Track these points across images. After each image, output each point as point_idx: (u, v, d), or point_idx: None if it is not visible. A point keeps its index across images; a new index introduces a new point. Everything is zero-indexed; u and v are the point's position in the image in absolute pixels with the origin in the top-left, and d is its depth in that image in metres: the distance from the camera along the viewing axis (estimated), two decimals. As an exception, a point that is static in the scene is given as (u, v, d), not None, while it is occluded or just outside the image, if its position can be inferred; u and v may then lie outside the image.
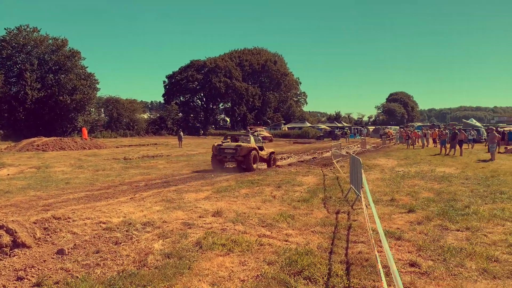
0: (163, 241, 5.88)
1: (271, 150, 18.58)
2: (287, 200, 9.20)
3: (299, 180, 12.47)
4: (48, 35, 48.28)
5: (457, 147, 22.84)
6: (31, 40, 46.81)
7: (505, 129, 37.23)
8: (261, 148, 17.20)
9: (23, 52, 47.04)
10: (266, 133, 48.96)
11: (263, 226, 6.75)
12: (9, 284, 4.41)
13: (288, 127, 71.79)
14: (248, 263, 4.93)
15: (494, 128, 25.99)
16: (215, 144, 16.34)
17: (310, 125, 73.39)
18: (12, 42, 45.73)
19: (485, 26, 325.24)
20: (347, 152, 20.64)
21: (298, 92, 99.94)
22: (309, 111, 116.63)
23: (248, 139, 16.63)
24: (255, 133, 44.38)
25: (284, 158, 22.97)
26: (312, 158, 22.63)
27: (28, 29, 46.92)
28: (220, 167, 16.09)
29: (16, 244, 5.51)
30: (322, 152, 27.58)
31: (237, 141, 16.81)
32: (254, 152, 15.91)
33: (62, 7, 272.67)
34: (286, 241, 5.91)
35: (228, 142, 16.73)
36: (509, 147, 26.29)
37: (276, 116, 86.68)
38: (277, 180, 12.43)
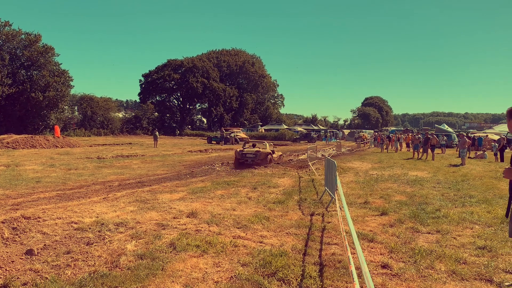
0: (136, 242, 5.79)
1: (280, 153, 22.34)
2: (262, 201, 9.21)
3: (274, 182, 12.52)
4: (20, 29, 46.89)
5: (429, 151, 23.39)
6: (3, 35, 45.36)
7: (475, 134, 38.35)
8: (273, 152, 20.33)
9: (-6, 47, 45.62)
10: (242, 135, 48.93)
11: (238, 228, 6.74)
12: (-26, 285, 4.27)
13: (265, 129, 72.06)
14: (222, 265, 4.91)
15: (465, 134, 26.68)
16: (238, 150, 19.18)
17: (287, 127, 73.87)
18: (-19, 36, 44.29)
19: (459, 34, 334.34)
20: (322, 155, 20.82)
21: (276, 94, 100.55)
22: (286, 114, 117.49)
23: (264, 144, 20.06)
24: (232, 134, 44.37)
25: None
26: (289, 160, 22.74)
27: (0, 23, 45.54)
28: (241, 169, 17.31)
29: (-17, 244, 5.34)
30: (298, 155, 27.75)
31: (254, 146, 20.20)
32: (269, 156, 19.07)
33: (36, 2, 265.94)
34: (260, 242, 5.92)
35: (248, 148, 19.75)
36: (478, 153, 27.09)
37: (253, 117, 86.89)
38: (253, 182, 12.44)
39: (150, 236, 6.09)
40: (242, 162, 18.30)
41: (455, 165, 19.29)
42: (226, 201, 9.16)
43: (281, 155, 22.30)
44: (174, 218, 7.40)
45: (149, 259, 5.02)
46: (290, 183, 12.45)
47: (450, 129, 50.44)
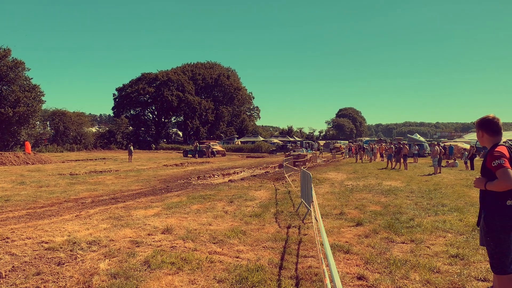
0: (109, 260, 5.65)
1: (311, 155, 35.16)
2: (239, 215, 9.16)
3: (251, 195, 12.48)
4: (-12, 44, 45.82)
5: (401, 161, 23.83)
6: (-31, 49, 44.24)
7: (446, 143, 39.30)
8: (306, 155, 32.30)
9: (-40, 61, 44.31)
10: (219, 147, 48.79)
11: (214, 243, 6.67)
12: None
13: (241, 141, 72.02)
14: (197, 282, 4.84)
15: (436, 143, 27.32)
16: (287, 154, 33.39)
17: (263, 139, 74.07)
18: None
19: (429, 43, 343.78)
20: (298, 167, 20.96)
21: (251, 107, 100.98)
22: (262, 125, 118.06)
23: (302, 150, 30.69)
24: (207, 147, 44.11)
25: (237, 173, 22.95)
26: (265, 173, 22.76)
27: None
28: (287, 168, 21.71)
29: None
30: (274, 166, 27.83)
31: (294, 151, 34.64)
32: (306, 157, 30.93)
33: (5, 15, 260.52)
34: (237, 257, 5.86)
35: (294, 154, 32.22)
36: (450, 161, 27.75)
37: (230, 130, 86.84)
38: (229, 195, 12.38)
39: (124, 254, 5.95)
40: (294, 163, 26.50)
41: (429, 174, 19.70)
42: (202, 216, 9.07)
43: (311, 156, 34.13)
44: (149, 234, 7.27)
45: (123, 278, 4.89)
46: (267, 196, 12.45)
47: (422, 139, 51.60)
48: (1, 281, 4.89)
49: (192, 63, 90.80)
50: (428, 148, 38.77)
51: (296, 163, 26.90)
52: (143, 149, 65.94)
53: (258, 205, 10.64)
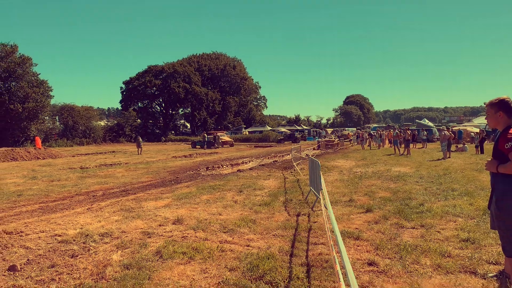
0: (122, 251, 5.73)
1: (337, 141, 39.22)
2: (248, 204, 9.21)
3: (260, 184, 12.52)
4: (-5, 40, 46.19)
5: (402, 146, 23.72)
6: (-22, 46, 44.60)
7: (454, 128, 38.99)
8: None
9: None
10: (226, 138, 48.85)
11: (224, 232, 6.72)
12: (-45, 305, 4.17)
13: (249, 131, 72.05)
14: (209, 271, 4.89)
15: (445, 128, 27.12)
16: (322, 141, 38.56)
17: (271, 128, 73.98)
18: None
19: (436, 29, 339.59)
20: (306, 155, 20.93)
21: (258, 96, 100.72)
22: (269, 115, 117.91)
23: (332, 136, 40.17)
24: (215, 138, 44.18)
25: (245, 163, 23.01)
26: (273, 162, 22.79)
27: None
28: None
29: (-37, 262, 5.22)
30: (282, 155, 27.84)
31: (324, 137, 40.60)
32: (334, 142, 36.81)
33: (11, 11, 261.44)
34: (247, 246, 5.91)
35: (327, 139, 38.36)
36: (459, 146, 27.55)
37: (237, 120, 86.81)
38: (238, 185, 12.43)
39: (135, 245, 6.03)
40: (326, 145, 35.12)
41: (437, 159, 19.58)
42: (212, 206, 9.14)
43: (338, 142, 37.80)
44: (160, 225, 7.35)
45: (136, 269, 4.96)
46: (276, 185, 12.48)
47: (430, 124, 51.21)
48: (17, 274, 4.98)
49: (198, 54, 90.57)
50: (437, 133, 38.43)
51: (328, 146, 35.32)
52: (152, 141, 66.28)
53: (267, 194, 10.68)
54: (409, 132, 24.94)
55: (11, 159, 27.31)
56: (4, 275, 4.97)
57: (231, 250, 5.66)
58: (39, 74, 49.55)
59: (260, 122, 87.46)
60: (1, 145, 35.49)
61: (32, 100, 45.96)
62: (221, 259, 5.30)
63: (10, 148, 31.48)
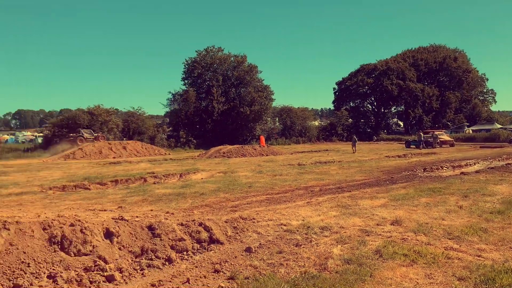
0: (341, 246, 5.90)
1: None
2: (476, 211, 8.28)
3: (490, 189, 11.10)
4: (230, 53, 54.08)
5: None
6: (217, 59, 53.04)
7: None
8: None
9: (210, 70, 53.62)
10: (446, 137, 44.92)
11: (449, 239, 6.21)
12: (208, 275, 4.99)
13: (472, 130, 64.66)
14: (434, 276, 4.59)
15: None
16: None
17: (501, 126, 64.53)
18: (201, 62, 52.58)
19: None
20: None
21: (485, 90, 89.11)
22: (498, 111, 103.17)
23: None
24: (435, 137, 41.17)
25: (470, 165, 20.73)
26: (506, 165, 19.86)
27: (214, 49, 53.25)
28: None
29: (212, 240, 6.23)
30: (516, 158, 24.00)
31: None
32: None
33: (239, 27, 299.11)
34: (478, 256, 5.32)
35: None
36: None
37: (458, 118, 78.82)
38: (462, 189, 11.29)
39: (354, 241, 6.12)
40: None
41: None
42: (433, 210, 8.55)
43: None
44: (377, 225, 7.28)
45: (356, 265, 5.04)
46: (510, 191, 10.85)
47: None
48: (252, 256, 5.66)
49: (413, 49, 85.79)
50: None
51: None
52: (363, 140, 66.14)
53: (500, 201, 9.38)
54: None
55: (241, 155, 31.29)
56: (242, 255, 5.71)
57: (459, 259, 5.19)
58: (263, 80, 55.67)
59: (487, 119, 77.31)
60: (233, 143, 41.11)
61: (257, 103, 51.92)
62: (447, 266, 4.91)
63: (240, 145, 36.20)
